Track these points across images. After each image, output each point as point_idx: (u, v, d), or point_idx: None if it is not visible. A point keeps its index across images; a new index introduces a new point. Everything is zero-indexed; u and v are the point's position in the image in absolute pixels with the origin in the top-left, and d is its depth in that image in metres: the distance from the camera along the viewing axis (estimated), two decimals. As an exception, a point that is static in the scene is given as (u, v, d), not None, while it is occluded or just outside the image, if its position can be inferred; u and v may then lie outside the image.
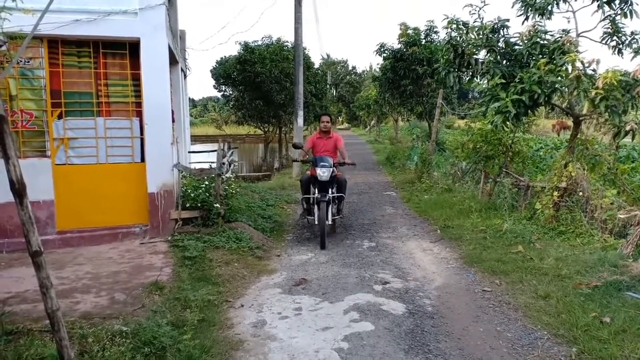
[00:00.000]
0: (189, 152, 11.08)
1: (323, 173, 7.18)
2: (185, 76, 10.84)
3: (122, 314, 4.29)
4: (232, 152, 11.80)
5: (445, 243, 7.28)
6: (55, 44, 6.26)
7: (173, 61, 8.58)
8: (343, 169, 7.98)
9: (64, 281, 5.13)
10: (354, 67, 72.61)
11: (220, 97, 21.51)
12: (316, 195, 7.29)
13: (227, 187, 7.28)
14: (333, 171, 7.31)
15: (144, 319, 4.12)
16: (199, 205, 6.75)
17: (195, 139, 26.52)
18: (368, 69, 60.66)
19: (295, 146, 8.46)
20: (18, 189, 2.80)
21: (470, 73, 7.57)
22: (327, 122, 7.92)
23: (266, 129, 21.47)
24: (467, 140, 10.98)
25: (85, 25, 6.13)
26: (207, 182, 6.94)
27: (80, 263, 5.76)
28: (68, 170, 6.42)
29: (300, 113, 16.25)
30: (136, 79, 6.54)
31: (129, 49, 6.52)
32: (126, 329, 3.85)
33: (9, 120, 5.86)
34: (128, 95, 6.57)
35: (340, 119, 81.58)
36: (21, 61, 6.02)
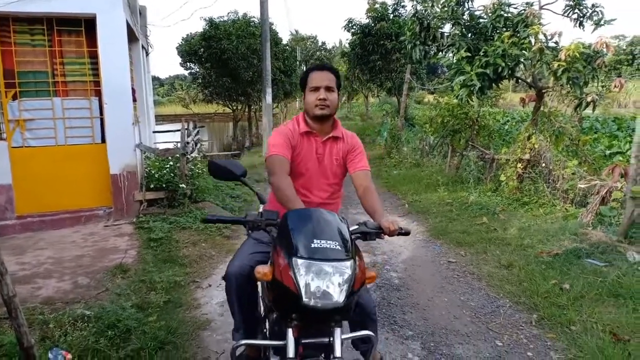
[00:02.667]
0: (154, 132, 10.86)
1: (321, 289, 1.78)
2: (147, 54, 10.54)
3: (85, 298, 4.21)
4: (197, 131, 11.62)
5: (413, 217, 7.36)
6: (6, 22, 5.95)
7: (133, 38, 8.31)
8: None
9: (24, 267, 5.00)
10: (323, 43, 71.84)
11: (187, 75, 21.02)
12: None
13: (192, 167, 7.16)
14: (353, 272, 1.83)
15: (108, 302, 4.05)
16: (164, 185, 6.63)
17: (163, 118, 26.06)
18: (338, 45, 60.29)
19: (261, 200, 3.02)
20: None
21: (436, 47, 7.56)
22: (328, 86, 2.49)
23: (235, 107, 21.14)
24: (436, 115, 11.06)
25: (38, 1, 5.84)
26: (171, 163, 6.81)
27: (42, 248, 5.60)
28: (25, 152, 6.19)
29: (269, 90, 16.01)
30: (94, 57, 6.31)
31: (85, 26, 6.26)
32: (89, 313, 3.78)
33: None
34: (85, 74, 6.34)
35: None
36: (-31, 39, 5.73)
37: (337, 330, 1.87)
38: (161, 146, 10.01)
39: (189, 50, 20.14)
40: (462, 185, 8.62)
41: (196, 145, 10.46)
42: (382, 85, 18.92)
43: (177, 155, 6.82)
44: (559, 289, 4.26)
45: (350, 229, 2.07)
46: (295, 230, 1.88)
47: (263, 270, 1.89)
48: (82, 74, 6.33)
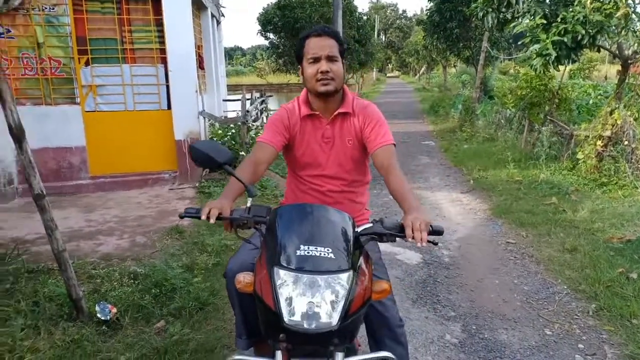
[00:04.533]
0: (224, 100, 11.11)
1: (308, 308, 1.47)
2: (218, 22, 10.71)
3: (139, 256, 4.42)
4: (263, 101, 11.75)
5: (477, 194, 7.03)
6: (79, -10, 6.25)
7: (201, 7, 8.45)
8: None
9: (91, 224, 5.33)
10: (404, 11, 69.85)
11: (268, 45, 21.23)
12: None
13: (254, 135, 7.24)
14: (351, 287, 1.52)
15: (159, 261, 4.22)
16: (225, 152, 6.75)
17: (238, 88, 26.56)
18: (419, 13, 58.07)
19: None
20: (16, 133, 2.83)
21: (511, 13, 7.02)
22: (330, 55, 2.02)
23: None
24: (516, 86, 10.38)
25: (108, -30, 6.07)
26: (233, 130, 6.92)
27: (109, 207, 5.95)
28: (97, 117, 6.55)
29: (340, 60, 15.79)
30: (160, 24, 6.47)
31: (152, -6, 6.43)
32: (140, 271, 3.96)
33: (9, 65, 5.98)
34: (152, 41, 6.54)
35: (390, 66, 79.28)
36: (46, 8, 6.06)
37: (339, 356, 1.52)
38: (231, 115, 10.23)
39: (265, 20, 20.28)
40: (535, 162, 8.09)
41: (261, 114, 10.56)
42: (459, 54, 18.04)
43: (238, 123, 6.92)
44: (624, 279, 3.90)
45: (361, 228, 1.72)
46: (284, 230, 1.57)
47: (244, 279, 1.60)
48: (149, 41, 6.54)
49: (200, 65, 8.28)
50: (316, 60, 2.03)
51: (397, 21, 66.41)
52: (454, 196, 6.97)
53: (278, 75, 27.50)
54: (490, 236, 5.26)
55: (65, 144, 6.45)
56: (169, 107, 6.70)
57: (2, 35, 6.01)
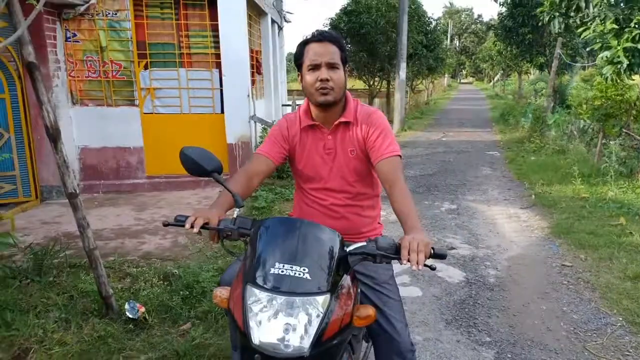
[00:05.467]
0: (283, 105, 11.22)
1: (277, 331, 1.38)
2: (280, 28, 10.83)
3: (177, 257, 4.50)
4: None
5: (537, 210, 6.59)
6: (141, -3, 6.53)
7: (261, 12, 8.57)
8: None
9: (140, 222, 5.51)
10: (479, 16, 67.84)
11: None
12: None
13: (304, 140, 7.22)
14: (327, 311, 1.42)
15: (194, 263, 4.27)
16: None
17: (300, 92, 26.79)
18: (495, 17, 56.15)
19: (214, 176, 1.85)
20: (52, 134, 2.94)
21: (580, 18, 6.54)
22: (331, 62, 1.86)
23: (371, 83, 20.96)
24: (592, 96, 9.69)
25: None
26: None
27: (161, 207, 6.13)
28: (154, 119, 6.79)
29: (403, 65, 15.55)
30: (215, 30, 6.62)
31: (208, 0, 6.58)
32: (175, 271, 4.02)
33: (50, 68, 6.27)
34: (208, 46, 6.69)
35: (464, 72, 77.13)
36: (109, 13, 6.37)
37: None
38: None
39: (332, 25, 20.38)
40: (605, 179, 7.49)
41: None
42: (532, 61, 17.20)
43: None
44: (692, 315, 3.47)
45: (353, 247, 1.58)
46: (263, 245, 1.49)
47: (221, 294, 1.55)
48: (205, 46, 6.70)
49: (258, 70, 8.39)
50: (316, 67, 1.89)
51: (472, 26, 64.56)
52: (511, 211, 6.58)
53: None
54: (545, 257, 4.89)
55: (124, 144, 6.74)
56: (222, 111, 6.82)
57: (69, 40, 6.39)
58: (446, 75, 52.93)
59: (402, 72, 15.83)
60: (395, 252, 1.52)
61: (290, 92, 19.38)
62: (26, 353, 2.86)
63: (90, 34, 6.46)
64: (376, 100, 22.85)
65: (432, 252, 1.50)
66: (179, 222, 1.67)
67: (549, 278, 4.39)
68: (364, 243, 1.59)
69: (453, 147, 12.69)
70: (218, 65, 6.74)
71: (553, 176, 8.27)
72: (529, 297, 4.00)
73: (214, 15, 6.56)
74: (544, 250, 5.07)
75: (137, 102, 6.72)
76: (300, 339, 1.36)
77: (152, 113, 6.78)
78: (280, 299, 1.38)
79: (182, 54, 6.66)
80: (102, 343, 3.02)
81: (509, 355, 3.14)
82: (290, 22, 13.99)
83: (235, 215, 1.69)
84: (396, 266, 4.43)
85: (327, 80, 1.88)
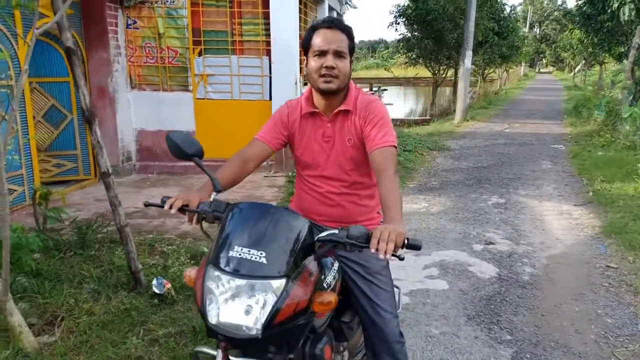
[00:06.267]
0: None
1: (229, 312, 1.43)
2: (339, 14, 10.81)
3: (213, 236, 4.66)
4: (373, 94, 11.61)
5: (592, 207, 6.22)
6: (197, -15, 6.74)
7: (317, 0, 8.58)
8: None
9: (185, 203, 5.75)
10: (563, 2, 63.94)
11: (397, 38, 21.01)
12: None
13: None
14: (281, 296, 1.44)
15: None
16: (318, 144, 6.83)
17: (360, 81, 26.56)
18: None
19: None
20: (88, 116, 3.14)
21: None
22: (338, 50, 1.87)
23: (435, 72, 20.38)
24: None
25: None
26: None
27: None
28: (206, 104, 7.03)
29: (469, 53, 15.02)
30: (267, 17, 6.72)
31: (261, -12, 6.69)
32: (206, 250, 4.19)
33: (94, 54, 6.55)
34: (259, 34, 6.81)
35: (543, 61, 73.08)
36: (167, 1, 6.64)
37: None
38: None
39: (398, 12, 20.01)
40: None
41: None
42: (610, 50, 16.04)
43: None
44: None
45: (322, 235, 1.59)
46: (229, 229, 1.53)
47: (190, 274, 1.60)
48: (256, 34, 6.82)
49: (310, 57, 8.42)
50: (322, 54, 1.88)
51: (555, 12, 60.85)
52: (563, 208, 6.25)
53: (406, 69, 26.91)
54: (590, 257, 4.62)
55: (177, 127, 6.98)
56: (270, 97, 6.94)
57: (130, 26, 6.74)
58: (523, 64, 50.45)
59: (468, 61, 15.30)
60: (366, 241, 1.51)
61: (357, 80, 19.33)
62: (56, 320, 3.10)
63: (149, 21, 6.78)
64: (440, 89, 22.28)
65: (405, 242, 1.48)
66: (157, 203, 1.75)
67: (589, 279, 4.16)
68: (335, 231, 1.59)
69: (515, 139, 12.16)
70: (268, 53, 6.84)
71: (617, 173, 7.74)
72: (562, 298, 3.82)
73: (266, 3, 6.65)
74: (590, 250, 4.80)
75: (190, 87, 6.98)
76: (255, 321, 1.40)
77: (204, 98, 7.02)
78: (236, 282, 1.42)
79: (235, 41, 6.83)
80: (126, 315, 3.22)
81: (528, 356, 3.03)
82: (355, 7, 13.91)
83: (211, 199, 1.74)
84: (426, 259, 4.39)
85: (333, 67, 1.87)
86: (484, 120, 16.44)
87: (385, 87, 13.21)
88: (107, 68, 6.62)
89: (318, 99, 2.01)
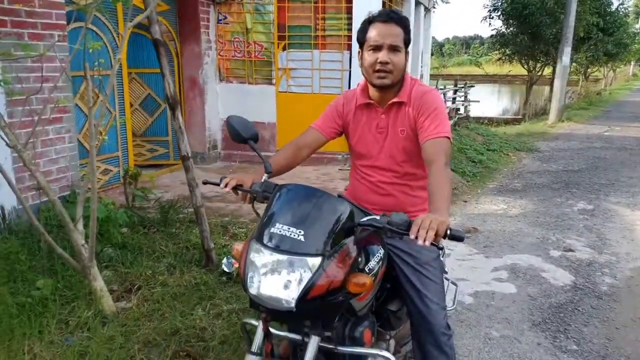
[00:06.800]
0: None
1: (266, 283, 1.52)
2: (427, 10, 10.65)
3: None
4: (456, 91, 11.29)
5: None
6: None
7: (403, -6, 8.52)
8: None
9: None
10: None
11: (492, 34, 20.13)
12: None
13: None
14: (317, 273, 1.50)
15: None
16: (395, 139, 6.80)
17: (447, 78, 25.77)
18: None
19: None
20: (171, 103, 3.40)
21: None
22: (393, 44, 1.88)
23: (531, 69, 19.31)
24: None
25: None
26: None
27: (282, 178, 6.56)
28: (288, 97, 7.24)
29: (567, 50, 14.12)
30: (350, 12, 6.79)
31: (345, -17, 6.76)
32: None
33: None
34: (341, 28, 6.90)
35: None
36: (256, -3, 6.94)
37: (313, 339, 1.58)
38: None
39: (493, 6, 19.24)
40: None
41: (452, 103, 10.24)
42: None
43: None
44: None
45: (362, 220, 1.63)
46: (273, 208, 1.61)
47: (237, 247, 1.69)
48: (339, 28, 6.92)
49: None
50: (377, 48, 1.90)
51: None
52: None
53: (501, 66, 25.66)
54: (684, 272, 4.24)
55: (260, 119, 7.31)
56: (350, 91, 7.00)
57: (220, 22, 7.11)
58: (632, 63, 46.38)
59: (566, 58, 14.40)
60: (406, 228, 1.53)
61: (435, 77, 18.89)
62: (134, 288, 3.40)
63: (238, 16, 7.10)
64: (535, 87, 21.10)
65: (448, 232, 1.48)
66: (215, 182, 1.89)
67: (678, 296, 3.82)
68: (377, 216, 1.63)
69: (614, 142, 11.30)
70: (349, 47, 6.91)
71: None
72: (643, 313, 3.55)
73: (349, -2, 6.74)
74: (687, 266, 4.39)
75: (273, 81, 7.23)
76: (290, 295, 1.47)
77: (286, 92, 7.24)
78: (276, 257, 1.49)
79: (317, 36, 6.97)
80: (196, 289, 3.45)
81: (593, 369, 2.87)
82: (448, 2, 13.58)
83: (263, 180, 1.85)
84: (497, 261, 4.26)
85: (387, 62, 1.88)
86: (581, 121, 15.42)
87: (472, 84, 12.73)
88: (199, 61, 7.04)
89: (373, 91, 2.05)
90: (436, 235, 1.46)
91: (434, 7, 11.65)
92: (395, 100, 2.00)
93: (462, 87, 11.99)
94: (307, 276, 1.48)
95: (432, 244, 1.46)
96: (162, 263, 3.76)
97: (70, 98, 4.57)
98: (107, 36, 5.43)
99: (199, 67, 7.07)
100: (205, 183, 1.96)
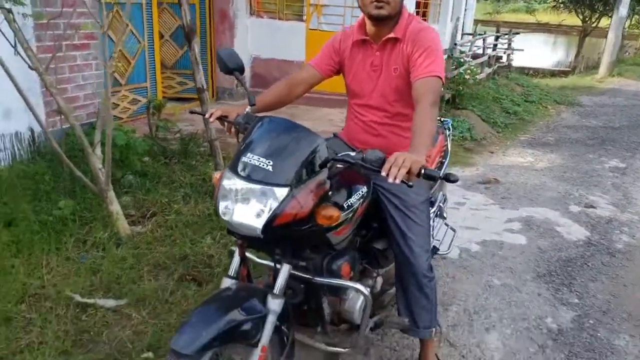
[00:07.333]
0: (464, 34, 10.63)
1: (234, 209, 1.57)
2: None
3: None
4: (498, 37, 10.75)
5: None
6: None
7: None
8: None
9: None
10: None
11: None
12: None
13: (462, 72, 6.86)
14: (283, 202, 1.53)
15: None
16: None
17: (494, 23, 24.48)
18: None
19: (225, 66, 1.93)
20: (188, 33, 3.39)
21: None
22: None
23: (586, 19, 18.08)
24: None
25: None
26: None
27: (304, 119, 6.54)
28: (318, 35, 7.08)
29: (626, 0, 13.12)
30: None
31: None
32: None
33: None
34: (377, -36, 6.60)
35: None
36: None
37: (284, 267, 1.66)
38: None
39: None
40: None
41: (493, 50, 9.79)
42: None
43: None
44: None
45: (337, 155, 1.62)
46: (249, 139, 1.63)
47: (216, 175, 1.72)
48: (374, -36, 6.62)
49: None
50: None
51: None
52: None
53: (559, 14, 24.04)
54: None
55: (288, 57, 7.23)
56: (383, 32, 6.80)
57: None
58: None
59: (623, 9, 13.46)
60: (380, 165, 1.51)
61: (485, 23, 17.99)
62: (149, 214, 3.55)
63: (272, -53, 6.90)
64: (595, 40, 19.88)
65: (422, 171, 1.48)
66: (200, 111, 1.96)
67: (697, 260, 3.71)
68: (353, 153, 1.63)
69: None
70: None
71: None
72: (657, 274, 3.48)
73: None
74: None
75: (304, 17, 7.07)
76: (257, 222, 1.51)
77: (316, 29, 7.09)
78: (246, 185, 1.53)
79: (351, -29, 6.72)
80: (208, 220, 3.55)
81: (590, 322, 2.86)
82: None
83: (245, 111, 1.87)
84: (512, 213, 4.21)
85: None
86: (633, 77, 14.56)
87: (518, 31, 12.04)
88: (229, -7, 6.92)
89: (369, 26, 1.98)
90: (409, 173, 1.45)
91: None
92: (390, 36, 1.94)
93: (506, 34, 11.40)
94: (274, 205, 1.50)
95: (402, 181, 1.45)
96: (179, 192, 3.88)
97: (96, 25, 4.61)
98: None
99: None
100: (191, 112, 2.03)
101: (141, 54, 5.76)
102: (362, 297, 1.90)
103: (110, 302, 2.61)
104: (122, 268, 2.91)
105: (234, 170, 1.57)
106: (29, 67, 2.93)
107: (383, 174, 1.47)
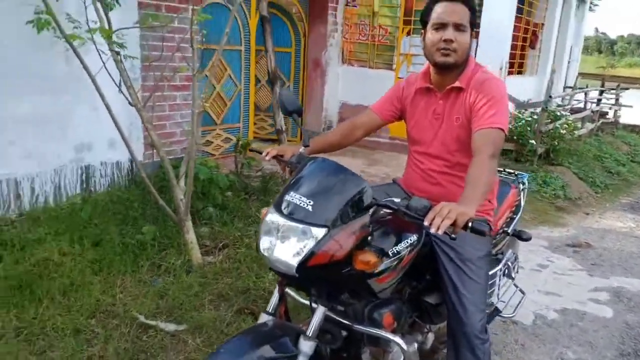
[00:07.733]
0: (566, 87, 10.17)
1: (274, 247, 1.55)
2: (580, 1, 9.76)
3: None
4: (602, 92, 10.06)
5: None
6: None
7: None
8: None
9: (362, 174, 5.97)
10: None
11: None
12: None
13: (558, 126, 6.53)
14: (319, 243, 1.52)
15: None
16: (514, 137, 6.38)
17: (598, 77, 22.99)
18: None
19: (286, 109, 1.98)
20: (272, 78, 3.61)
21: None
22: (458, 23, 1.83)
23: None
24: None
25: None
26: (531, 117, 6.43)
27: (386, 165, 6.59)
28: (407, 83, 7.15)
29: None
30: (481, 0, 6.47)
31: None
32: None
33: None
34: (470, 15, 6.61)
35: None
36: (382, -19, 6.92)
37: (319, 309, 1.63)
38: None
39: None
40: None
41: (597, 105, 9.23)
42: None
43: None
44: None
45: (381, 201, 1.62)
46: (295, 178, 1.65)
47: (264, 211, 1.72)
48: (467, 15, 6.63)
49: (532, 44, 7.86)
50: (442, 26, 1.84)
51: None
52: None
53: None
54: None
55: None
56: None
57: (349, 5, 7.23)
58: None
59: None
60: (424, 214, 1.49)
61: (595, 76, 17.01)
62: (221, 246, 3.71)
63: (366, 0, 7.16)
64: None
65: (469, 225, 1.43)
66: (257, 150, 2.06)
67: None
68: (399, 199, 1.62)
69: None
70: (476, 35, 6.59)
71: None
72: None
73: (479, -15, 6.43)
74: None
75: (394, 66, 7.19)
76: (293, 260, 1.50)
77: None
78: (287, 223, 1.53)
79: (444, 23, 6.76)
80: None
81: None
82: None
83: (299, 152, 1.94)
84: (600, 281, 3.88)
85: (452, 41, 1.83)
86: None
87: (626, 87, 11.23)
88: (323, 42, 7.23)
89: (434, 74, 1.99)
90: (454, 225, 1.42)
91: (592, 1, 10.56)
92: (454, 85, 1.92)
93: (612, 90, 10.68)
94: (310, 244, 1.49)
95: (445, 233, 1.42)
96: (253, 227, 4.03)
97: (195, 68, 5.04)
98: (239, 14, 5.84)
99: (324, 48, 7.26)
100: (251, 150, 2.15)
101: (237, 96, 6.15)
102: (401, 353, 1.83)
103: (171, 327, 2.74)
104: (187, 295, 3.06)
105: (277, 207, 1.59)
106: (129, 103, 3.26)
107: (426, 223, 1.44)
